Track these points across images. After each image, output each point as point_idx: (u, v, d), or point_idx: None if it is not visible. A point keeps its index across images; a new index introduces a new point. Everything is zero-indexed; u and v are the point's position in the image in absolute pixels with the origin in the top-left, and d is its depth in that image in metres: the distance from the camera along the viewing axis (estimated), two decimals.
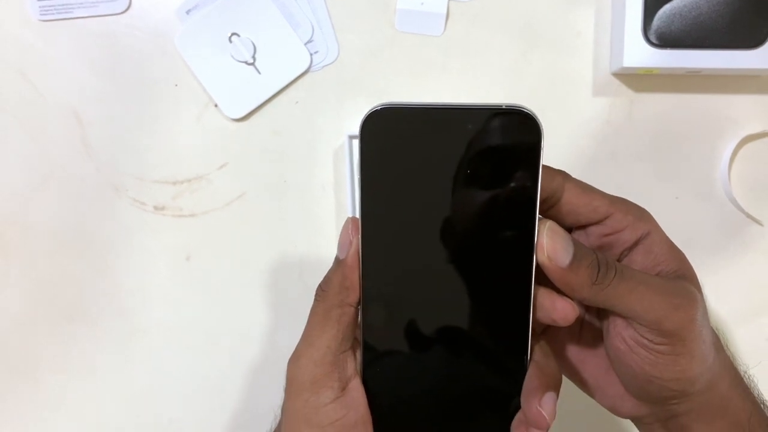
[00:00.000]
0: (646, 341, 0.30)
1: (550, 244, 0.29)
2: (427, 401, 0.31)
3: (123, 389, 0.51)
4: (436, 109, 0.28)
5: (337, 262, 0.31)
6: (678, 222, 0.50)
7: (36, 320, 0.50)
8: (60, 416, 0.51)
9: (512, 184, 0.28)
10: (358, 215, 0.30)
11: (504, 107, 0.27)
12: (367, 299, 0.30)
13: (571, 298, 0.30)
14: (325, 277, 0.32)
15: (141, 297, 0.50)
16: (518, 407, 0.30)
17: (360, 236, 0.29)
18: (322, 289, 0.31)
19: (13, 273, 0.50)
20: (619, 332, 0.31)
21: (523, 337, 0.30)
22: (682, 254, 0.32)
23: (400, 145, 0.28)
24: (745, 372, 0.34)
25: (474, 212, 0.29)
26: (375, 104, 0.28)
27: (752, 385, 0.34)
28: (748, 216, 0.49)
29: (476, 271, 0.29)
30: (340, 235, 0.31)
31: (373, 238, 0.29)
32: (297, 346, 0.32)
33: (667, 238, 0.32)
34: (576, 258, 0.29)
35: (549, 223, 0.29)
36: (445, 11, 0.48)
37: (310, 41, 0.49)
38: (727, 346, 0.33)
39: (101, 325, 0.50)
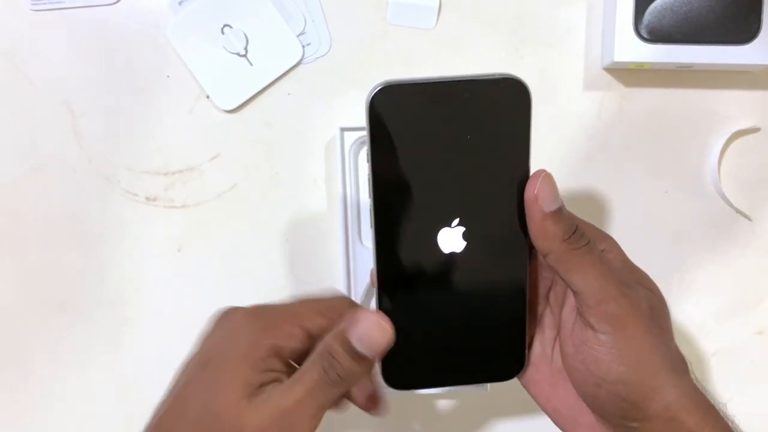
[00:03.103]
0: (589, 332, 0.30)
1: (542, 187, 0.30)
2: (435, 342, 0.34)
3: (114, 380, 0.51)
4: (435, 83, 0.30)
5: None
6: (667, 216, 0.50)
7: (27, 310, 0.51)
8: (51, 406, 0.51)
9: (509, 142, 0.31)
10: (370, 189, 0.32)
11: (496, 76, 0.30)
12: (380, 249, 0.32)
13: (541, 253, 0.31)
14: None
15: (132, 288, 0.51)
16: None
17: (372, 202, 0.32)
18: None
19: (3, 263, 0.50)
20: (568, 335, 0.32)
21: (521, 275, 0.33)
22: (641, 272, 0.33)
23: (404, 117, 0.31)
24: (724, 406, 0.33)
25: (477, 171, 0.31)
26: (376, 83, 0.30)
27: (730, 421, 0.32)
28: (738, 211, 0.49)
29: (481, 224, 0.32)
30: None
31: (385, 204, 0.32)
32: None
33: (625, 256, 0.34)
34: (560, 211, 0.30)
35: (547, 173, 0.30)
36: (437, 4, 0.48)
37: (302, 33, 0.49)
38: (697, 379, 0.33)
39: (92, 316, 0.51)
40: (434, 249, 0.32)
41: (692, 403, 0.31)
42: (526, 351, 0.34)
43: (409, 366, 0.34)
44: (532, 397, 0.35)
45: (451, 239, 0.32)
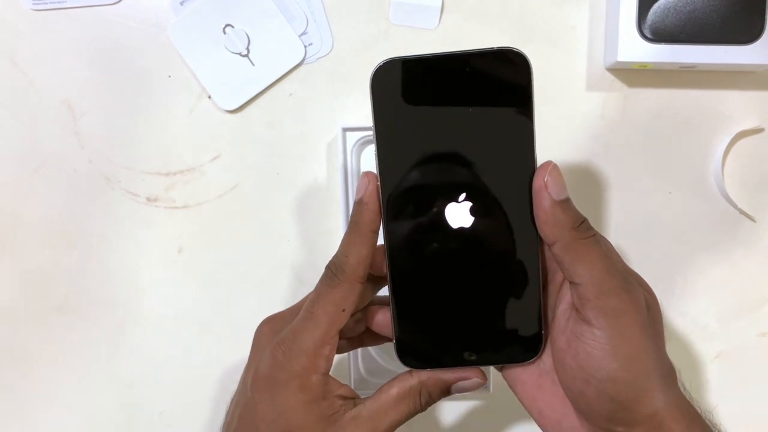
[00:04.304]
0: (585, 326, 0.30)
1: (551, 176, 0.31)
2: (448, 320, 0.34)
3: (114, 381, 0.51)
4: (437, 57, 0.31)
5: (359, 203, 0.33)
6: (671, 217, 0.50)
7: (27, 311, 0.50)
8: (50, 407, 0.51)
9: (512, 114, 0.31)
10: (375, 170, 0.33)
11: (495, 48, 0.31)
12: (388, 223, 0.33)
13: (547, 241, 0.31)
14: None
15: (133, 288, 0.50)
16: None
17: (378, 176, 0.32)
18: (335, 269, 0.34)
19: (3, 263, 0.50)
20: (561, 331, 0.32)
21: (533, 252, 0.33)
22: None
23: (408, 91, 0.31)
24: (710, 414, 0.33)
25: (481, 144, 0.31)
26: (381, 59, 0.31)
27: (717, 430, 0.33)
28: (741, 212, 0.49)
29: (488, 199, 0.32)
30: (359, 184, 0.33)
31: (391, 180, 0.32)
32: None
33: (621, 259, 0.34)
34: (569, 200, 0.31)
35: (555, 164, 0.31)
36: (439, 4, 0.48)
37: (304, 33, 0.49)
38: (684, 386, 0.33)
39: (92, 317, 0.50)
40: (443, 224, 0.32)
41: (679, 410, 0.31)
42: (543, 332, 0.33)
43: (424, 344, 0.34)
44: (518, 397, 0.35)
45: (459, 214, 0.32)
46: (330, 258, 0.35)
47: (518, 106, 0.31)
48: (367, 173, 0.32)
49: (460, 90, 0.31)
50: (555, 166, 0.31)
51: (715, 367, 0.51)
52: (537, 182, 0.31)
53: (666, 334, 0.50)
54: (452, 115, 0.31)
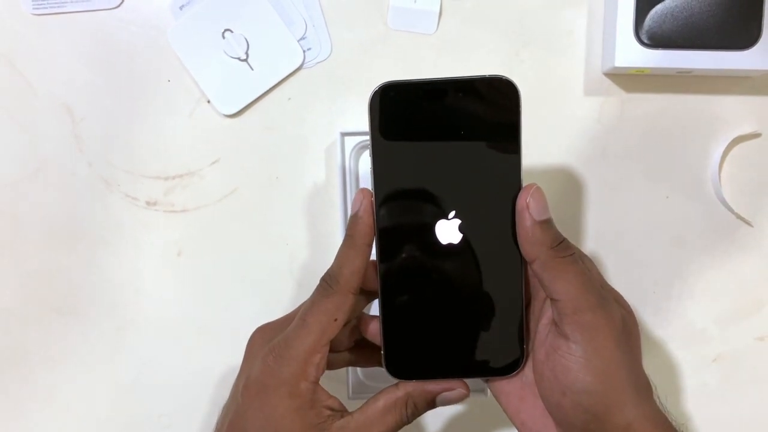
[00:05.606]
0: (562, 340, 0.32)
1: (534, 197, 0.32)
2: (435, 332, 0.35)
3: (113, 383, 0.51)
4: (432, 82, 0.33)
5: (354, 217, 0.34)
6: (668, 222, 0.50)
7: (26, 313, 0.50)
8: (49, 409, 0.51)
9: (501, 138, 0.33)
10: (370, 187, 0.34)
11: (487, 76, 0.33)
12: (381, 239, 0.34)
13: (528, 259, 0.33)
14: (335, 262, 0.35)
15: (132, 291, 0.50)
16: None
17: (373, 192, 0.34)
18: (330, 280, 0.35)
19: (3, 266, 0.50)
20: (540, 344, 0.34)
21: (516, 270, 0.34)
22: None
23: (403, 115, 0.33)
24: (683, 424, 0.34)
25: (471, 166, 0.33)
26: (378, 84, 0.33)
27: None
28: (738, 216, 0.49)
29: (476, 217, 0.34)
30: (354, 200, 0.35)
31: (385, 197, 0.34)
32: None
33: (602, 277, 0.35)
34: (549, 221, 0.32)
35: (538, 186, 0.33)
36: (438, 9, 0.48)
37: (303, 38, 0.49)
38: (660, 400, 0.34)
39: (92, 319, 0.50)
40: (433, 240, 0.34)
41: (653, 423, 0.32)
42: (525, 346, 0.35)
43: (411, 356, 0.35)
44: (503, 408, 0.36)
45: (449, 231, 0.34)
46: (327, 261, 0.36)
47: (507, 131, 0.33)
48: (363, 190, 0.34)
49: (453, 114, 0.33)
50: (538, 188, 0.32)
51: (713, 370, 0.51)
52: (520, 203, 0.32)
53: (664, 337, 0.50)
54: (444, 138, 0.33)
